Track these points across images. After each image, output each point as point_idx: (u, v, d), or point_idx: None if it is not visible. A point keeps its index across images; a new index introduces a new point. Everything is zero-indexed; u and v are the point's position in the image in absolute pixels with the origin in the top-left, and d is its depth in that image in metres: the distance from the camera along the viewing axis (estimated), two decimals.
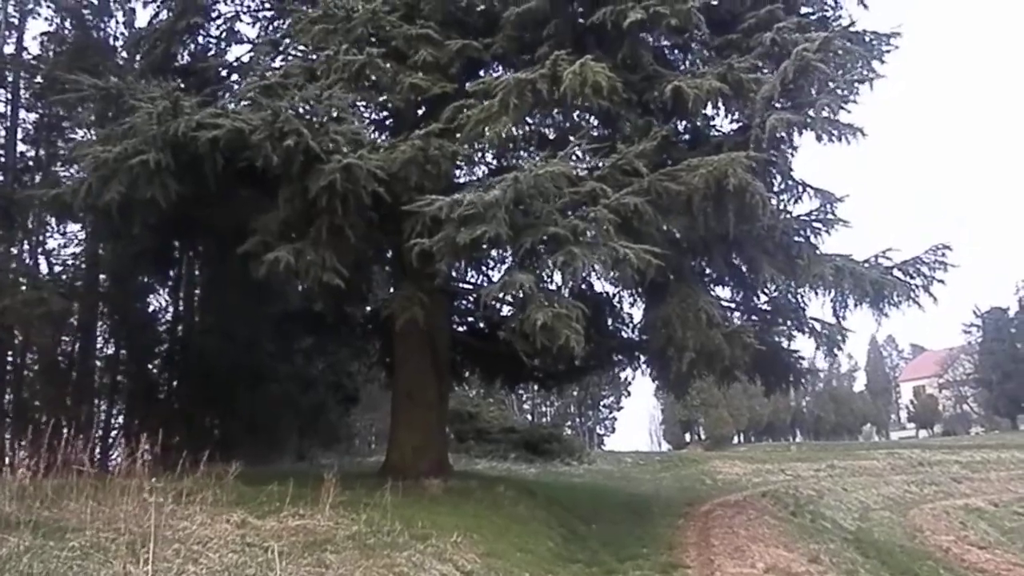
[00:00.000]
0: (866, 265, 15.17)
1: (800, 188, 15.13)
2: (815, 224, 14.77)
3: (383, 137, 11.99)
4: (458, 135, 11.79)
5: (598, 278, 14.24)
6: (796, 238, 14.55)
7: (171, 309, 23.87)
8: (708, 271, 15.56)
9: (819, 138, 12.43)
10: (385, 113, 14.70)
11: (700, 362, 13.45)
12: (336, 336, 22.62)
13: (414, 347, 17.15)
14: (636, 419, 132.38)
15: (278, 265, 10.96)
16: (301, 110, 10.80)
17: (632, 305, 20.59)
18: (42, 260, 21.16)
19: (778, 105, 12.53)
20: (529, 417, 61.96)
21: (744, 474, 37.18)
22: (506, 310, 19.78)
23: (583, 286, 19.67)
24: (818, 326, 15.60)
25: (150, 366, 23.14)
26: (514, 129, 11.46)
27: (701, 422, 78.32)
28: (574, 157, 11.44)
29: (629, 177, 11.51)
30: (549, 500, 17.33)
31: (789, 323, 16.38)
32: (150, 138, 10.81)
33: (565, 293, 11.60)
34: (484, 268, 17.03)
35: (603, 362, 22.20)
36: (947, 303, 15.96)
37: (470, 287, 17.24)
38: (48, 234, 21.06)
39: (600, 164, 11.88)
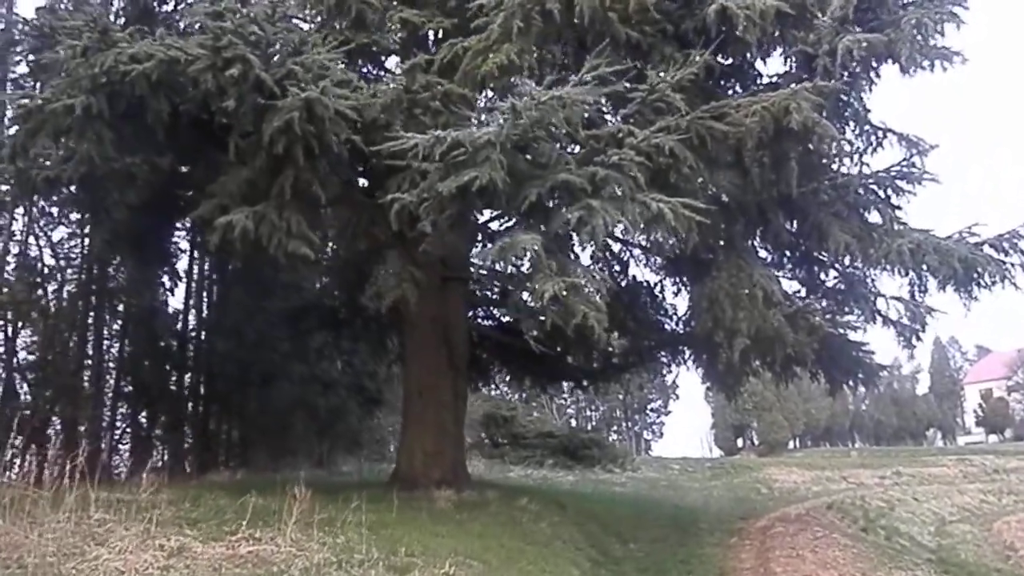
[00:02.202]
0: (951, 240, 12.77)
1: (880, 134, 12.63)
2: (898, 181, 12.31)
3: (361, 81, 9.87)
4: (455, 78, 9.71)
5: (625, 248, 11.92)
6: (874, 197, 12.11)
7: (180, 306, 22.08)
8: (763, 241, 13.14)
9: (904, 69, 10.11)
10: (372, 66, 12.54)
11: (755, 350, 11.18)
12: (351, 331, 20.70)
13: (426, 340, 15.17)
14: (686, 424, 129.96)
15: (232, 231, 8.96)
16: (252, 37, 8.77)
17: (676, 294, 18.44)
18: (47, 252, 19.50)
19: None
20: (572, 422, 59.85)
21: (803, 482, 34.96)
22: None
23: (616, 269, 17.60)
24: (899, 309, 13.09)
25: (157, 366, 21.34)
26: (519, 59, 9.26)
27: (754, 426, 75.84)
28: (591, 86, 9.14)
29: (663, 117, 9.28)
30: (581, 514, 15.13)
31: (860, 308, 13.93)
32: (77, 79, 8.92)
33: (585, 262, 9.42)
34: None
35: (644, 358, 19.98)
36: (1014, 300, 13.50)
37: (485, 272, 15.05)
38: (52, 226, 19.47)
39: (626, 96, 9.60)
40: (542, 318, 8.90)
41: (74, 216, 18.08)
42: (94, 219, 15.70)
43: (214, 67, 8.44)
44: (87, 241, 18.89)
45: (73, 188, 12.00)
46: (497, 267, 8.92)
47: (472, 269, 16.77)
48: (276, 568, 7.31)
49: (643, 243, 18.54)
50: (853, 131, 12.60)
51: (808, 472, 38.98)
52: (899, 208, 12.40)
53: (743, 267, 10.82)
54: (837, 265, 13.13)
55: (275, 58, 8.75)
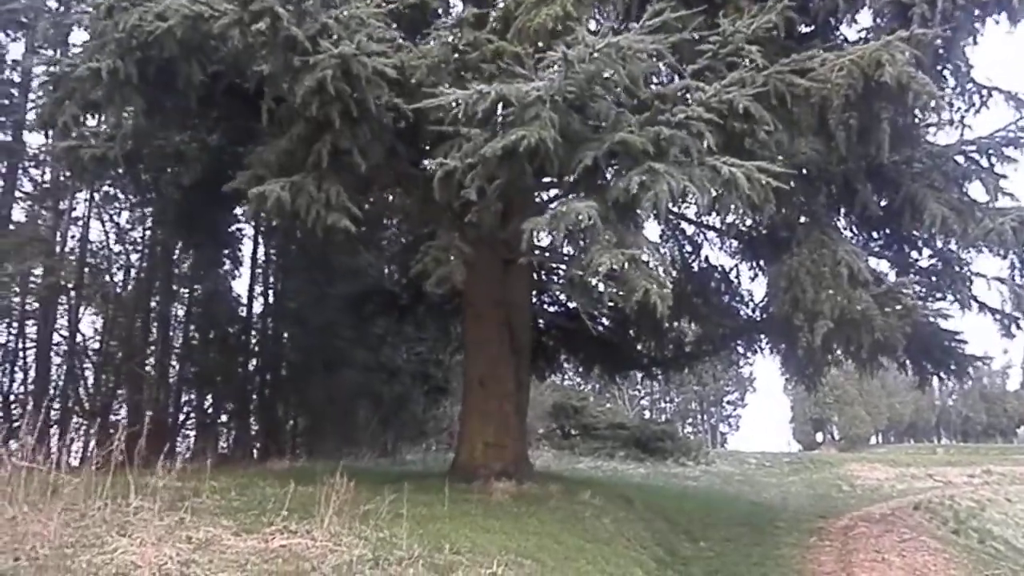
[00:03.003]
0: None
1: (984, 93, 11.37)
2: (1004, 147, 11.09)
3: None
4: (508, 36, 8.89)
5: (699, 230, 10.96)
6: (975, 167, 10.93)
7: (244, 291, 21.90)
8: (848, 216, 12.04)
9: (1015, 18, 8.96)
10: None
11: (839, 335, 10.14)
12: (413, 317, 20.17)
13: (488, 326, 14.50)
14: (763, 417, 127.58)
15: (265, 203, 8.36)
16: None
17: (752, 279, 17.43)
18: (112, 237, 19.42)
19: None
20: (646, 413, 58.86)
21: (886, 479, 33.52)
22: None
23: (688, 250, 16.65)
24: (1002, 292, 11.80)
25: (221, 352, 21.17)
26: (576, 11, 8.36)
27: (835, 421, 74.08)
28: (654, 36, 8.18)
29: (736, 73, 8.35)
30: (649, 509, 14.30)
31: (955, 292, 12.73)
32: (104, 43, 8.45)
33: (648, 235, 8.52)
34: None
35: (718, 347, 18.98)
36: None
37: (549, 254, 14.27)
38: (116, 211, 19.36)
39: (695, 48, 8.64)
40: (601, 296, 8.04)
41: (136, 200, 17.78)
42: (149, 201, 15.44)
43: (241, 22, 7.83)
44: (148, 225, 18.71)
45: (122, 169, 11.56)
46: (554, 241, 8.07)
47: (537, 252, 16.06)
48: (307, 564, 6.71)
49: (717, 225, 17.63)
50: (954, 90, 11.23)
51: (892, 469, 37.57)
52: (1004, 177, 11.20)
53: (826, 243, 9.83)
54: (931, 244, 11.92)
55: (308, 13, 8.10)
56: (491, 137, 7.53)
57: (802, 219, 10.26)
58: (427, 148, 9.14)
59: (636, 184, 7.32)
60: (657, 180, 7.31)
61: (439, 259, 9.19)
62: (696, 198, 7.54)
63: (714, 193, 7.86)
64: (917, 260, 12.88)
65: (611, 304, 11.58)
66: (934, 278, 12.54)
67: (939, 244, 11.94)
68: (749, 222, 17.17)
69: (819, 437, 75.82)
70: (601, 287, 7.76)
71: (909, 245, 12.73)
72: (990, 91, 11.34)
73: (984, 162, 11.32)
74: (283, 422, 22.89)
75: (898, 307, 9.80)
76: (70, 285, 17.79)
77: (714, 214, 17.48)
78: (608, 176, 8.12)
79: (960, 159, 11.18)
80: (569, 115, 7.76)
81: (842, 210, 11.99)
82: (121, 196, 18.36)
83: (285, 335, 22.61)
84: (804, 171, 9.85)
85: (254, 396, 22.13)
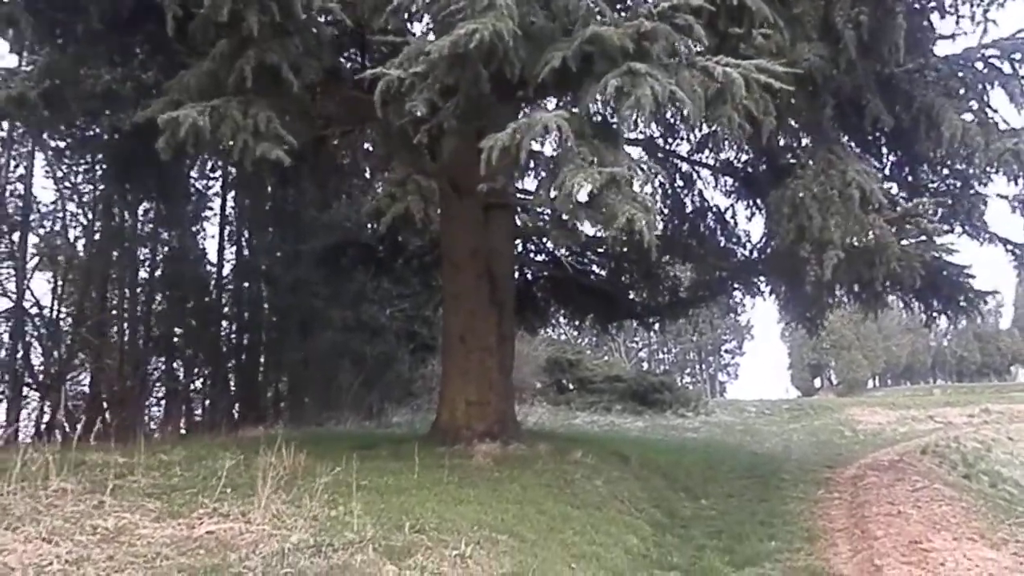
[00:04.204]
0: None
1: None
2: None
3: None
4: None
5: (693, 168, 9.69)
6: (996, 73, 9.75)
7: (214, 251, 20.73)
8: (857, 132, 10.84)
9: None
10: None
11: (851, 267, 9.04)
12: (392, 271, 19.06)
13: (466, 278, 13.40)
14: (761, 365, 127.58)
15: (179, 131, 7.17)
16: None
17: (750, 219, 16.37)
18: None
19: None
20: (644, 365, 58.12)
21: (888, 423, 32.99)
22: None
23: (680, 184, 15.50)
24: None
25: (190, 315, 20.06)
26: None
27: (832, 366, 73.81)
28: None
29: None
30: (645, 466, 13.33)
31: (967, 221, 11.63)
32: None
33: (633, 155, 7.34)
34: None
35: (714, 291, 17.94)
36: None
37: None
38: (71, 166, 18.05)
39: None
40: (578, 231, 6.92)
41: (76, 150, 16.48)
42: (87, 147, 14.20)
43: None
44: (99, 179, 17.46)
45: (47, 112, 10.35)
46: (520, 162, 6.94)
47: (519, 196, 14.92)
48: (235, 555, 5.67)
49: (710, 162, 16.52)
50: None
51: (892, 412, 37.13)
52: None
53: (834, 162, 8.73)
54: (947, 164, 10.76)
55: None
56: (439, 34, 6.35)
57: (803, 141, 9.06)
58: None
59: (613, 89, 6.15)
60: (638, 83, 6.13)
61: (394, 195, 8.03)
62: (684, 107, 6.34)
63: (705, 101, 6.67)
64: (931, 184, 11.71)
65: (595, 242, 10.41)
66: (949, 204, 11.37)
67: (956, 165, 10.75)
68: (744, 157, 16.19)
69: (817, 383, 75.70)
70: (568, 207, 6.54)
71: (922, 167, 11.58)
72: None
73: (1007, 68, 10.14)
74: (262, 387, 21.88)
75: (916, 233, 8.71)
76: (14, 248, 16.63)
77: (707, 151, 16.62)
78: (581, 78, 6.91)
79: (980, 64, 10.00)
80: (531, 6, 6.57)
81: (849, 128, 10.79)
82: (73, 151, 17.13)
83: (260, 294, 21.52)
84: (808, 82, 8.66)
85: (231, 361, 21.11)
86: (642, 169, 6.61)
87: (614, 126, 6.72)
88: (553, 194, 6.53)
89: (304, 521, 6.57)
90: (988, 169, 10.15)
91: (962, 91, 9.90)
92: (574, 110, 6.59)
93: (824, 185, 8.64)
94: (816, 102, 9.08)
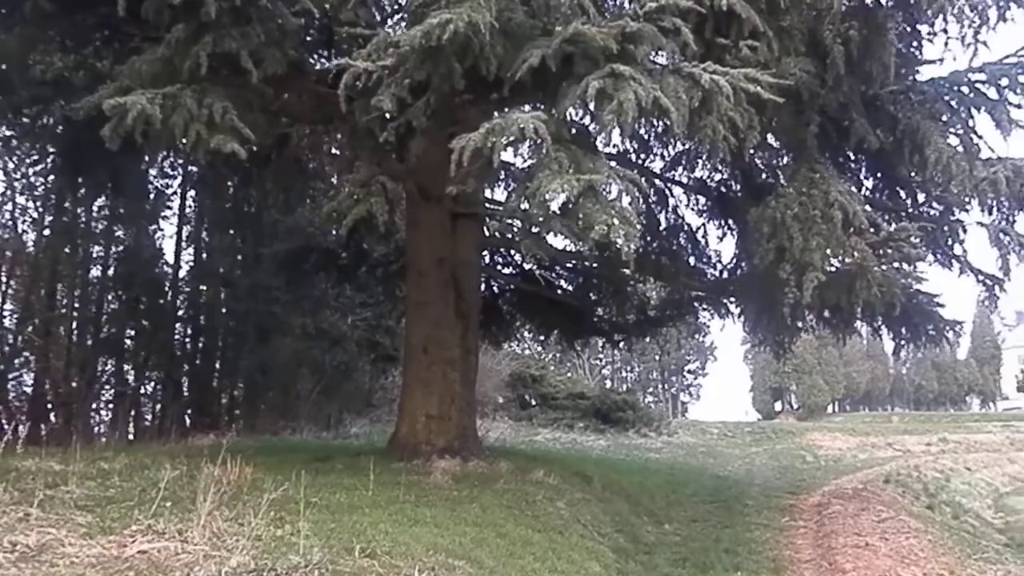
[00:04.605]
0: None
1: (1000, 5, 9.81)
2: (1020, 76, 9.66)
3: None
4: None
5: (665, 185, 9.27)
6: (982, 99, 9.54)
7: (172, 253, 20.07)
8: (839, 152, 10.57)
9: None
10: None
11: (829, 291, 8.75)
12: (356, 278, 18.57)
13: (431, 287, 12.97)
14: (723, 386, 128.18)
15: (126, 118, 6.68)
16: None
17: (721, 239, 16.14)
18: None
19: None
20: (608, 383, 57.90)
21: (848, 449, 33.24)
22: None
23: (653, 201, 15.20)
24: (1001, 246, 10.46)
25: (144, 317, 19.39)
26: None
27: (793, 390, 73.88)
28: None
29: None
30: (609, 488, 12.97)
31: (941, 248, 11.44)
32: None
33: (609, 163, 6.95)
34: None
35: (683, 310, 17.66)
36: None
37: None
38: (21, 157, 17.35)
39: None
40: (546, 243, 6.53)
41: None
42: (38, 137, 13.57)
43: None
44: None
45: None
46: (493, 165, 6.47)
47: (489, 206, 14.56)
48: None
49: (685, 180, 16.29)
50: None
51: (852, 438, 37.58)
52: (1018, 107, 9.83)
53: (816, 182, 8.46)
54: (929, 189, 10.52)
55: None
56: (411, 24, 5.95)
57: (785, 158, 8.77)
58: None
59: (595, 91, 5.79)
60: (621, 87, 5.78)
61: (356, 196, 7.58)
62: (668, 115, 5.99)
63: (690, 108, 6.33)
64: (910, 210, 11.48)
65: (565, 256, 10.00)
66: (928, 231, 11.14)
67: (937, 191, 10.52)
68: (718, 177, 15.97)
69: (778, 406, 75.89)
70: (542, 215, 6.13)
71: (902, 191, 11.37)
72: (1008, 3, 9.75)
73: (993, 93, 9.96)
74: (217, 393, 21.22)
75: (898, 258, 8.45)
76: None
77: (680, 168, 16.38)
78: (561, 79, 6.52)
79: (966, 90, 9.81)
80: (511, 1, 6.19)
81: (830, 148, 10.53)
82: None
83: (218, 298, 20.89)
84: (793, 97, 8.36)
85: (184, 365, 20.44)
86: (621, 178, 6.25)
87: (593, 133, 6.35)
88: (526, 202, 6.14)
89: (246, 541, 6.08)
90: (966, 198, 9.96)
91: (947, 115, 9.71)
92: (552, 113, 6.23)
93: (806, 205, 8.37)
94: (801, 119, 8.81)
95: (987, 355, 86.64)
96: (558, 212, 6.12)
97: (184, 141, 6.97)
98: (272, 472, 8.69)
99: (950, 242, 12.05)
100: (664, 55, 6.43)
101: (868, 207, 9.31)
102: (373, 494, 8.43)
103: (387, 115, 6.56)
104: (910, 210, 11.32)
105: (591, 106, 5.85)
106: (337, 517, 7.26)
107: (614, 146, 13.54)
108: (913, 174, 10.09)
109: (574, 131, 6.18)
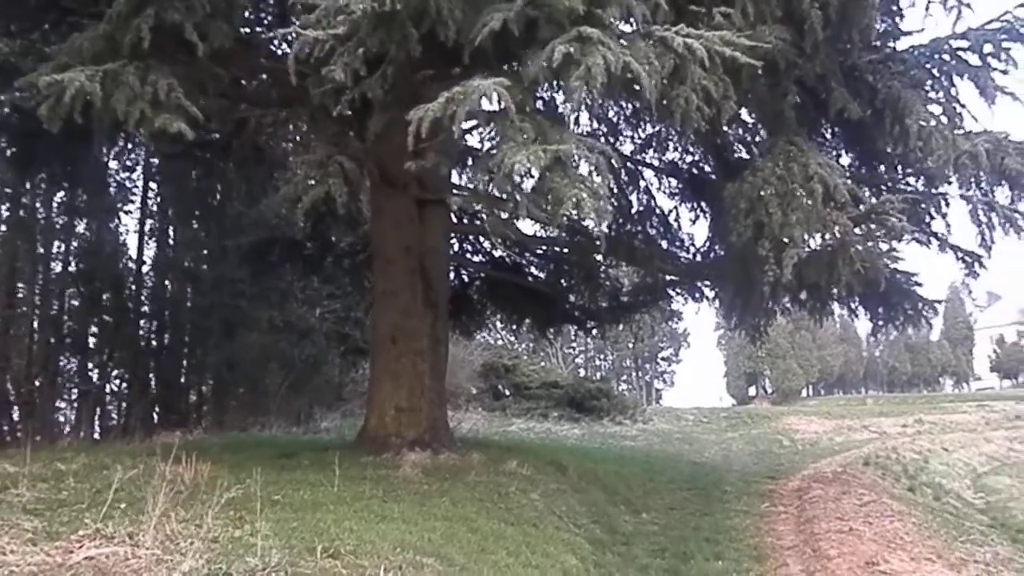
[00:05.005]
0: None
1: None
2: (1002, 42, 9.40)
3: None
4: None
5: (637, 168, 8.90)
6: (963, 67, 9.28)
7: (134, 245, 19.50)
8: (817, 125, 10.27)
9: None
10: None
11: (811, 268, 8.47)
12: (322, 270, 18.14)
13: (398, 275, 12.60)
14: (697, 372, 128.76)
15: (63, 96, 6.23)
16: None
17: (694, 222, 15.90)
18: None
19: None
20: (581, 372, 57.75)
21: (824, 432, 33.24)
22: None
23: (625, 179, 14.92)
24: (981, 221, 10.25)
25: (107, 312, 18.83)
26: None
27: (767, 374, 74.24)
28: None
29: None
30: (584, 478, 12.68)
31: (922, 223, 11.21)
32: None
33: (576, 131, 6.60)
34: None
35: (656, 295, 17.41)
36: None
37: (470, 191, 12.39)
38: None
39: None
40: (514, 212, 6.16)
41: None
42: None
43: None
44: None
45: None
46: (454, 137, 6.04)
47: (456, 192, 14.18)
48: None
49: (656, 163, 16.02)
50: None
51: (828, 421, 37.61)
52: (1004, 72, 9.56)
53: (794, 155, 8.15)
54: (911, 161, 10.23)
55: None
56: None
57: (760, 133, 8.47)
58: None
59: (560, 55, 5.43)
60: (589, 51, 5.41)
61: (312, 178, 7.17)
62: (640, 81, 5.64)
63: (662, 76, 5.98)
64: (889, 184, 11.21)
65: (534, 241, 9.63)
66: (909, 205, 10.87)
67: (919, 163, 10.24)
68: (689, 159, 15.69)
69: (752, 391, 76.20)
70: (507, 192, 5.75)
71: (881, 165, 11.10)
72: None
73: (975, 60, 9.71)
74: (185, 390, 20.70)
75: (882, 233, 8.18)
76: None
77: (651, 151, 16.10)
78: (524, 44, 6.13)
79: (947, 57, 9.56)
80: None
81: (806, 122, 10.23)
82: None
83: (184, 292, 20.36)
84: (770, 67, 8.02)
85: (150, 362, 19.89)
86: (591, 150, 5.89)
87: (561, 109, 6.01)
88: (489, 176, 5.78)
89: (201, 543, 5.74)
90: (947, 171, 9.72)
91: (929, 83, 9.46)
92: (518, 81, 5.86)
93: (785, 179, 8.07)
94: (778, 90, 8.49)
95: (960, 336, 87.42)
96: (523, 186, 5.77)
97: (127, 121, 6.52)
98: (235, 469, 8.37)
99: (928, 218, 11.83)
100: (634, 21, 6.07)
101: (848, 181, 9.04)
102: (339, 490, 8.08)
103: (343, 89, 6.17)
104: (889, 184, 11.06)
105: (557, 73, 5.50)
106: (300, 515, 6.90)
107: (583, 128, 13.24)
108: (892, 148, 9.84)
109: (540, 105, 5.80)
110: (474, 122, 7.22)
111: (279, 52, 6.66)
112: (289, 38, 6.09)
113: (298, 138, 12.36)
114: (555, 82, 5.76)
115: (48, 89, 6.25)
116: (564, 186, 5.44)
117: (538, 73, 5.61)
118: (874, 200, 9.11)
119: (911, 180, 11.04)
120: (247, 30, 7.29)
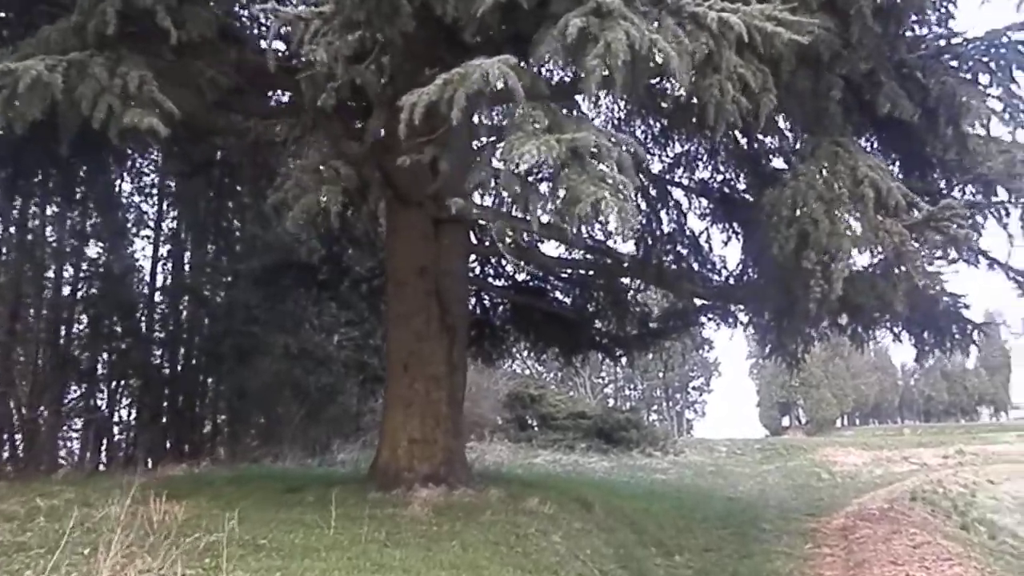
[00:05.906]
0: None
1: None
2: None
3: None
4: None
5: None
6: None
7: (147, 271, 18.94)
8: (862, 125, 9.35)
9: None
10: None
11: (858, 286, 7.56)
12: (337, 295, 17.50)
13: (412, 297, 11.85)
14: (728, 403, 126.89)
15: (17, 87, 5.54)
16: None
17: (726, 243, 15.09)
18: None
19: None
20: (611, 401, 56.71)
21: (863, 465, 32.05)
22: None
23: (654, 195, 14.11)
24: None
25: (117, 339, 18.24)
26: None
27: (801, 404, 72.71)
28: None
29: None
30: (611, 515, 11.78)
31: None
32: None
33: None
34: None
35: (687, 320, 16.55)
36: None
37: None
38: None
39: None
40: (525, 209, 5.34)
41: None
42: None
43: None
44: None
45: None
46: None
47: (476, 211, 13.45)
48: None
49: (685, 182, 15.27)
50: None
51: (866, 452, 36.47)
52: None
53: (841, 156, 7.31)
54: (968, 165, 9.26)
55: None
56: None
57: (800, 136, 7.64)
58: None
59: (576, 31, 4.63)
60: (609, 26, 4.62)
61: (303, 184, 6.41)
62: (669, 63, 4.84)
63: (694, 56, 5.17)
64: (944, 191, 10.24)
65: (557, 263, 8.78)
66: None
67: (977, 168, 9.28)
68: (721, 177, 14.89)
69: (785, 421, 74.75)
70: (515, 189, 4.93)
71: (934, 170, 10.16)
72: None
73: None
74: (199, 419, 20.03)
75: (943, 242, 7.29)
76: None
77: (681, 169, 15.33)
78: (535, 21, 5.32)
79: (1004, 51, 8.67)
80: None
81: (850, 122, 9.33)
82: None
83: (200, 319, 19.76)
84: (812, 59, 7.19)
85: (163, 390, 19.27)
86: (613, 142, 5.06)
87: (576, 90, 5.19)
88: (494, 171, 4.99)
89: None
90: (1011, 177, 8.77)
91: (987, 78, 8.59)
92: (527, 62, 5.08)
93: (830, 183, 7.23)
94: (821, 84, 7.68)
95: (997, 364, 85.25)
96: (532, 183, 4.97)
97: (93, 117, 5.83)
98: (229, 506, 7.64)
99: (977, 234, 10.87)
100: None
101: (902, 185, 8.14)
102: (336, 532, 7.28)
103: (331, 77, 5.44)
104: (943, 192, 10.12)
105: (572, 52, 4.71)
106: (285, 563, 6.11)
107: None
108: (943, 152, 8.93)
109: (554, 83, 5.04)
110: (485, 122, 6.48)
111: (266, 46, 5.93)
112: (269, 20, 5.38)
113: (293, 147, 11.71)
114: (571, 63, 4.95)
115: (3, 80, 5.58)
116: (582, 182, 4.61)
117: (549, 54, 4.81)
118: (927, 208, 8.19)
119: (973, 184, 10.04)
120: (230, 18, 6.58)
